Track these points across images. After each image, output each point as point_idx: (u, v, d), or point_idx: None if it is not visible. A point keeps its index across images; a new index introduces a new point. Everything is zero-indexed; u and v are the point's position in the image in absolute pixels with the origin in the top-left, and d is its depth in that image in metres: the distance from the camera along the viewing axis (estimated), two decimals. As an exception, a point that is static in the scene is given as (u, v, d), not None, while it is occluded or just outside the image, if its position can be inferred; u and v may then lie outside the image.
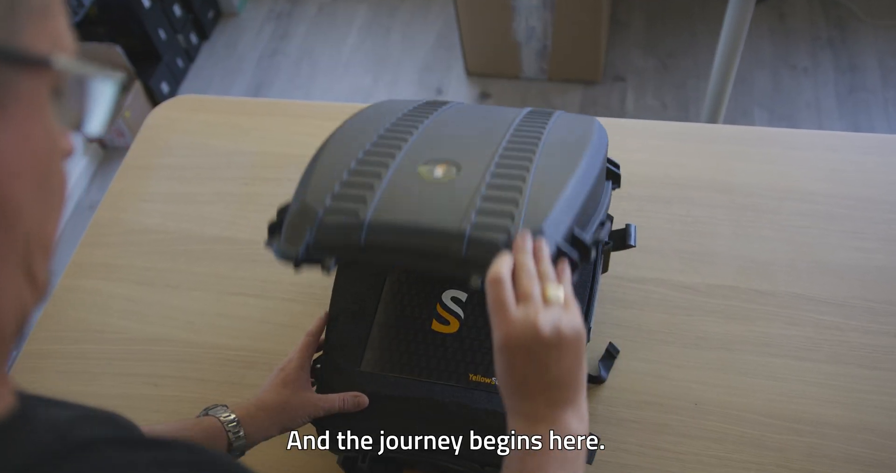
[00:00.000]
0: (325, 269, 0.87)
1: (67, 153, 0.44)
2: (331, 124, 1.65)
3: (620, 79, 3.13)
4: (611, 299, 1.27)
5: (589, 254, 0.85)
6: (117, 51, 2.98)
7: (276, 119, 1.65)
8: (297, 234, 0.89)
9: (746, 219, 1.36)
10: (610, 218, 1.13)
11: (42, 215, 0.42)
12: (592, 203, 0.95)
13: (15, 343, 0.43)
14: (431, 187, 0.89)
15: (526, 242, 0.77)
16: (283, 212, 0.96)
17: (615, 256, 1.25)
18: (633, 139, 1.52)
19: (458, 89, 3.21)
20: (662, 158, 1.48)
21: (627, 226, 1.14)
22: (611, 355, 1.20)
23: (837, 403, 1.13)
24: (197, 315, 1.34)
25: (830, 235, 1.32)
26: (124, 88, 0.45)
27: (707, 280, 1.28)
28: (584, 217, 0.91)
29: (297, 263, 0.88)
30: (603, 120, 1.61)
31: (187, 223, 1.48)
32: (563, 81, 3.15)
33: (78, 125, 0.44)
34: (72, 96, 0.43)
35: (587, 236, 0.87)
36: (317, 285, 1.33)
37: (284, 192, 1.47)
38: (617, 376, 1.19)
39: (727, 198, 1.40)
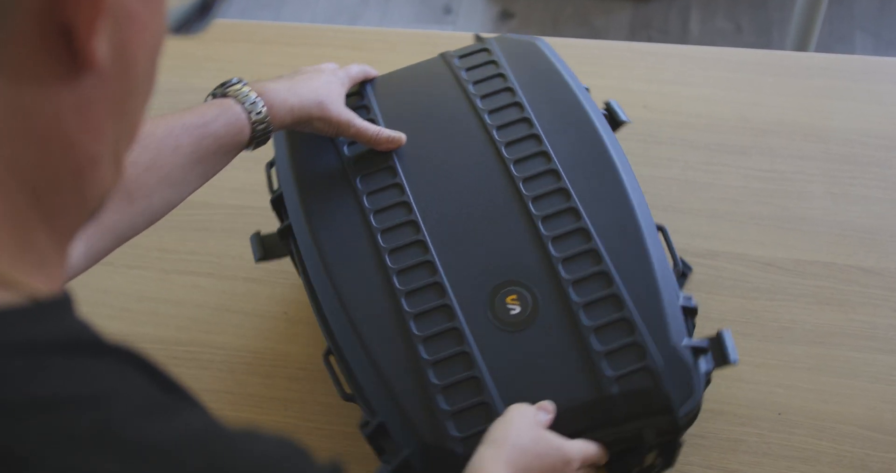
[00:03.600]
0: None
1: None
2: (307, 52, 1.64)
3: (682, -6, 3.11)
4: (669, 278, 1.26)
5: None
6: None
7: (238, 46, 1.64)
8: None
9: (845, 175, 1.35)
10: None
11: (140, 97, 0.52)
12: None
13: (87, 224, 0.54)
14: (529, 344, 0.98)
15: None
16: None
17: (673, 220, 1.23)
18: (697, 71, 1.51)
19: (472, 9, 3.18)
20: (736, 96, 1.46)
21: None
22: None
23: (963, 413, 1.13)
24: (134, 301, 1.34)
25: (955, 195, 1.31)
26: None
27: (795, 255, 1.27)
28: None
29: None
30: (659, 47, 1.60)
31: (122, 182, 1.47)
32: (607, -2, 3.13)
33: (174, 22, 0.54)
34: None
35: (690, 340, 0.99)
36: (288, 262, 1.32)
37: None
38: (677, 378, 1.18)
39: (820, 147, 1.38)
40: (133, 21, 0.48)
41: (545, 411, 0.92)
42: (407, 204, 1.08)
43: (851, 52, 2.90)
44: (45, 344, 0.45)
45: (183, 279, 1.35)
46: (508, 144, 1.11)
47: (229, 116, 0.99)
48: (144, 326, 1.30)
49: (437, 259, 1.03)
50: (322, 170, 1.14)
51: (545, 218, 1.04)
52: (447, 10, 3.18)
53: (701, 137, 1.40)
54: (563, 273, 1.00)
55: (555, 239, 1.03)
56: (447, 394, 0.95)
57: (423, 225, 1.06)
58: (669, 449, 1.00)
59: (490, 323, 0.99)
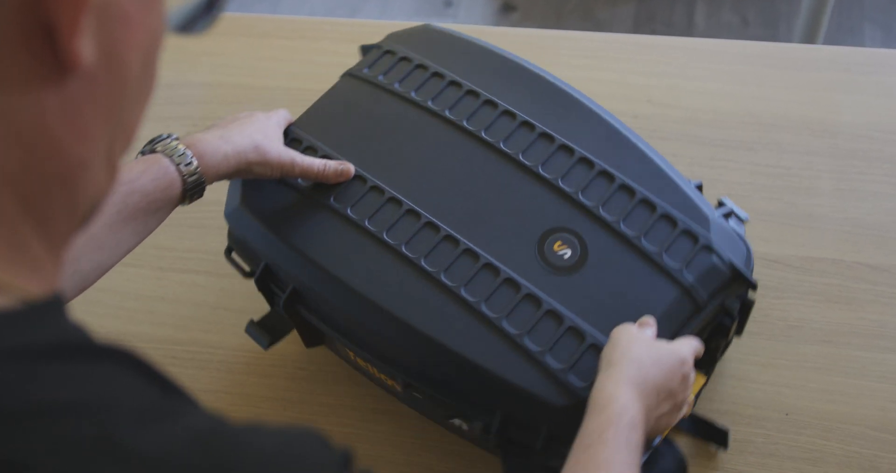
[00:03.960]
0: None
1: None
2: (305, 46, 1.64)
3: (687, -14, 3.10)
4: (675, 276, 1.26)
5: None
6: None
7: (235, 40, 1.63)
8: None
9: (854, 170, 1.35)
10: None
11: (134, 99, 0.52)
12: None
13: (83, 228, 0.54)
14: (596, 276, 1.03)
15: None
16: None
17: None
18: (703, 65, 1.51)
19: (473, 1, 3.18)
20: (742, 90, 1.46)
21: None
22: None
23: (973, 412, 1.13)
24: (131, 299, 1.34)
25: (966, 191, 1.31)
26: None
27: (802, 252, 1.27)
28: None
29: None
30: (663, 40, 1.59)
31: (118, 178, 1.47)
32: (611, -10, 3.12)
33: (177, 21, 0.54)
34: None
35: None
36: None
37: (245, 136, 1.46)
38: (682, 377, 1.18)
39: (828, 142, 1.38)
40: (124, 21, 0.47)
41: (648, 325, 0.97)
42: (413, 212, 1.07)
43: (861, 44, 2.89)
44: (38, 349, 0.45)
45: (180, 277, 1.35)
46: (469, 119, 1.14)
47: (156, 170, 0.96)
48: (141, 325, 1.30)
49: (472, 245, 1.04)
50: (303, 220, 1.11)
51: (543, 165, 1.09)
52: (448, 4, 3.18)
53: (706, 132, 1.40)
54: (587, 203, 1.06)
55: (563, 178, 1.08)
56: (554, 353, 0.97)
57: (440, 223, 1.06)
58: (744, 312, 1.08)
59: (552, 275, 1.02)
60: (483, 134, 1.12)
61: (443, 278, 1.02)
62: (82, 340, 0.48)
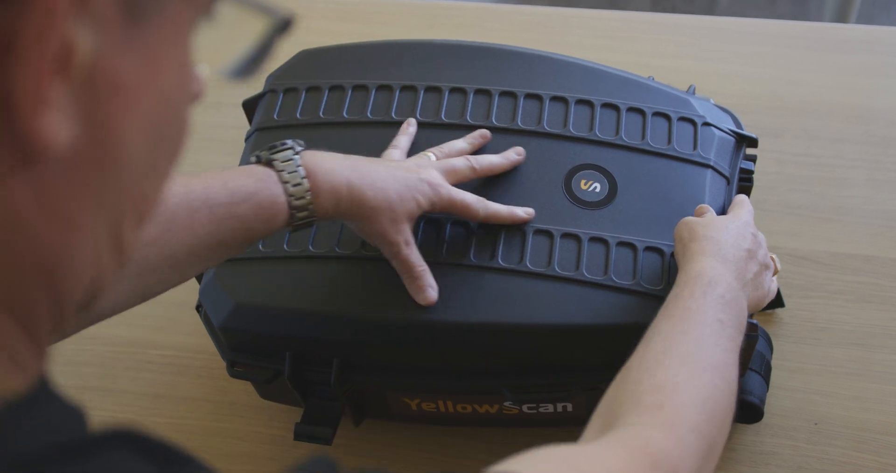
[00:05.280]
0: None
1: (195, 97, 0.50)
2: (296, 26, 1.62)
3: (709, -39, 3.10)
4: (695, 274, 1.25)
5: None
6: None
7: (219, 19, 1.62)
8: None
9: (889, 159, 1.34)
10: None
11: (147, 169, 0.47)
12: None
13: (78, 315, 0.49)
14: (638, 194, 1.09)
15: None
16: None
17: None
18: (725, 45, 1.51)
19: (480, -22, 3.17)
20: (769, 73, 1.46)
21: None
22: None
23: None
24: (106, 299, 1.32)
25: None
26: (283, 29, 0.54)
27: (833, 248, 1.27)
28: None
29: None
30: (684, 19, 1.58)
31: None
32: (627, -34, 3.12)
33: (219, 64, 0.51)
34: (221, 25, 0.49)
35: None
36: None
37: (231, 122, 1.45)
38: (703, 384, 1.17)
39: (862, 130, 1.38)
40: (116, 91, 0.42)
41: (704, 212, 1.04)
42: (431, 220, 1.07)
43: (896, 24, 2.89)
44: (39, 454, 0.42)
45: (158, 276, 1.33)
46: (422, 112, 1.16)
47: (263, 198, 0.88)
48: (115, 327, 1.27)
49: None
50: (316, 284, 1.06)
51: (522, 120, 1.14)
52: (452, -19, 3.17)
53: (729, 117, 1.40)
54: (582, 134, 1.13)
55: (547, 122, 1.14)
56: (645, 278, 1.03)
57: (472, 226, 1.07)
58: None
59: (598, 211, 1.08)
60: (444, 119, 1.14)
61: (501, 264, 1.04)
62: (79, 432, 0.46)
